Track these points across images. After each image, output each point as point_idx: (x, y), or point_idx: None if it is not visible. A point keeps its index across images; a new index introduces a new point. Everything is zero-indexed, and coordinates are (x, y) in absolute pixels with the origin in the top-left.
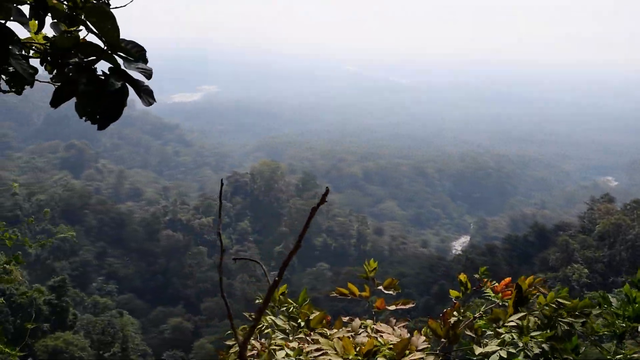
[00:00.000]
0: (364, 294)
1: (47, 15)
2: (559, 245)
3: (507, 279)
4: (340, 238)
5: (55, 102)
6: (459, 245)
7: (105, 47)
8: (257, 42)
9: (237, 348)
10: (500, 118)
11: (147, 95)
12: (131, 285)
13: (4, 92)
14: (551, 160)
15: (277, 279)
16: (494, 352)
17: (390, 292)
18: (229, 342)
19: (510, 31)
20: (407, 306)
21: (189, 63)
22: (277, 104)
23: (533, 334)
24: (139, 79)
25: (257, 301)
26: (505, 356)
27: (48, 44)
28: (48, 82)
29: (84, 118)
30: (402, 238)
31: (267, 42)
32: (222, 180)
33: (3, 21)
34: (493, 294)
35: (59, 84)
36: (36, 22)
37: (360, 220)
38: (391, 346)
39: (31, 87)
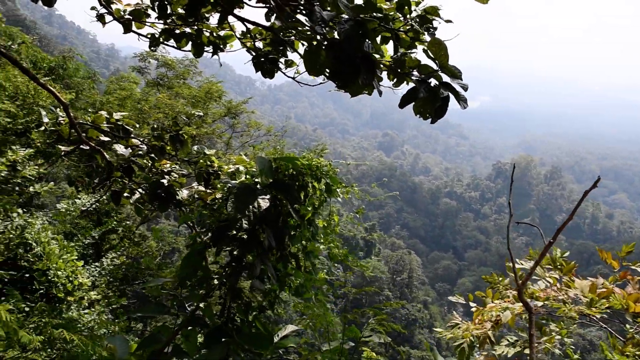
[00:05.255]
0: (614, 263)
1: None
2: None
3: None
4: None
5: (403, 104)
6: None
7: (437, 68)
8: (525, 60)
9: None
10: None
11: (463, 101)
12: (417, 233)
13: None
14: None
15: (551, 240)
16: None
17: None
18: (489, 278)
19: None
20: None
21: (475, 72)
22: (536, 111)
23: None
24: (458, 90)
25: (527, 258)
26: None
27: (394, 63)
28: (389, 88)
29: (418, 115)
30: (629, 223)
31: (533, 59)
32: (513, 165)
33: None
34: None
35: (398, 89)
36: (386, 47)
37: (594, 206)
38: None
39: (369, 93)
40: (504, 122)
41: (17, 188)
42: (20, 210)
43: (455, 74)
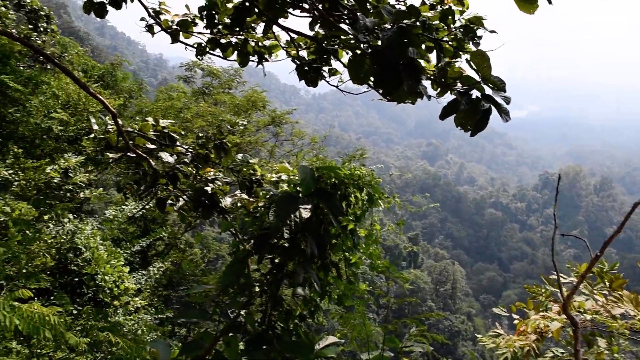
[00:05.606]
0: None
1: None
2: None
3: None
4: (628, 231)
5: (443, 116)
6: None
7: (480, 80)
8: (570, 58)
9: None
10: None
11: (505, 114)
12: (461, 244)
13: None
14: None
15: (598, 254)
16: None
17: None
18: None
19: None
20: None
21: (523, 81)
22: (586, 121)
23: None
24: (500, 102)
25: (569, 268)
26: None
27: (437, 73)
28: (434, 96)
29: (459, 127)
30: None
31: (577, 57)
32: (559, 175)
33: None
34: None
35: (441, 98)
36: (431, 57)
37: None
38: None
39: (413, 103)
40: (551, 131)
41: (68, 194)
42: (71, 216)
43: (498, 85)
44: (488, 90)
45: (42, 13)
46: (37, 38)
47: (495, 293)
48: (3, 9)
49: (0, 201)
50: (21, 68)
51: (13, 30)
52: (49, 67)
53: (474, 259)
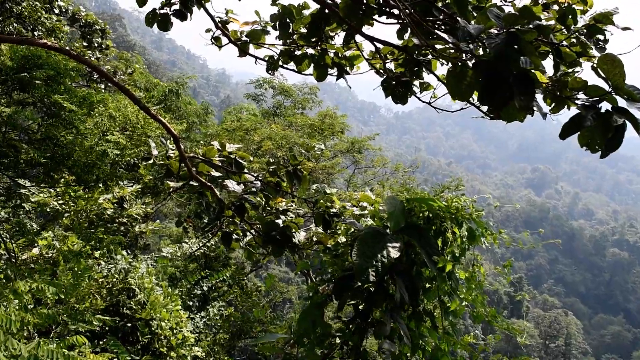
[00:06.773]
0: None
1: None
2: None
3: None
4: None
5: (564, 134)
6: None
7: (610, 90)
8: None
9: None
10: None
11: None
12: (576, 290)
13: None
14: None
15: None
16: None
17: None
18: None
19: None
20: None
21: None
22: None
23: None
24: (638, 116)
25: None
26: None
27: (553, 83)
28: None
29: (584, 147)
30: None
31: None
32: None
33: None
34: None
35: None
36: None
37: None
38: None
39: (522, 120)
40: None
41: (122, 227)
42: (124, 252)
43: (634, 96)
44: (621, 102)
45: (97, 27)
46: (91, 55)
47: (623, 353)
48: (57, 22)
49: (50, 235)
50: (75, 87)
51: (67, 47)
52: (103, 86)
53: (593, 310)
